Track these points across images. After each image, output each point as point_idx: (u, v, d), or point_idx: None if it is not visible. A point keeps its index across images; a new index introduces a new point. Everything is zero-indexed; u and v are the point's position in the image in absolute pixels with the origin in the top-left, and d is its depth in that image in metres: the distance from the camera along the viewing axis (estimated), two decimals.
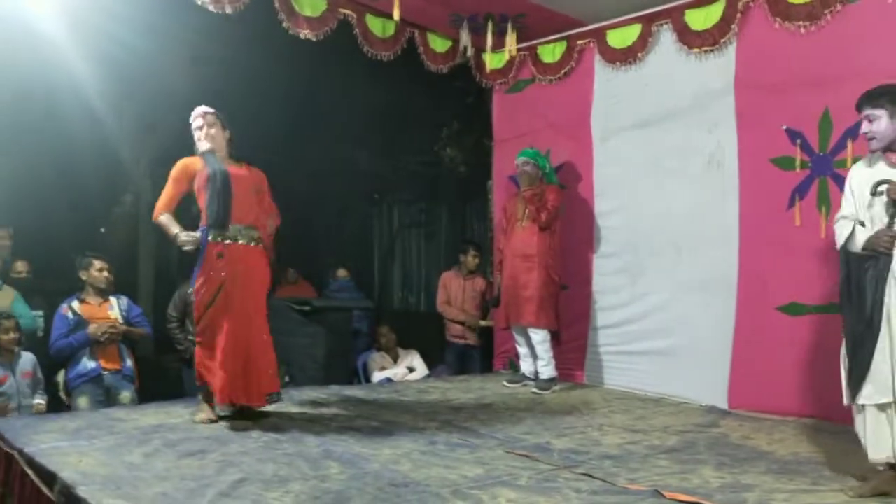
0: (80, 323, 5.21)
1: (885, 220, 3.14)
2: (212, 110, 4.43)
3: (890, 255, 3.07)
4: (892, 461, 3.09)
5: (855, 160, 4.56)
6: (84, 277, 5.35)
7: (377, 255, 11.01)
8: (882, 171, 3.26)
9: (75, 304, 5.29)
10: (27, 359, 5.17)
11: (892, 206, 3.12)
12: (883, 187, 3.16)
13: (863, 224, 3.23)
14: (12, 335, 5.05)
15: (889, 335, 3.04)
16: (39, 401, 5.14)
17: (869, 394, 3.10)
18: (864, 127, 3.31)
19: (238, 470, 3.39)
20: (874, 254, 3.12)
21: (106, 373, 5.21)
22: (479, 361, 6.94)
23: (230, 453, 3.66)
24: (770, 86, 4.99)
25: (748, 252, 5.09)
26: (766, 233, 5.01)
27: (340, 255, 9.05)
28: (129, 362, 5.36)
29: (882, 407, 3.08)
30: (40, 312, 5.74)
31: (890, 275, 3.05)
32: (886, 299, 3.05)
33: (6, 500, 3.60)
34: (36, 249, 6.61)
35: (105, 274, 5.34)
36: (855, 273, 3.17)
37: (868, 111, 3.28)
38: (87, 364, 5.18)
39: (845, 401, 3.21)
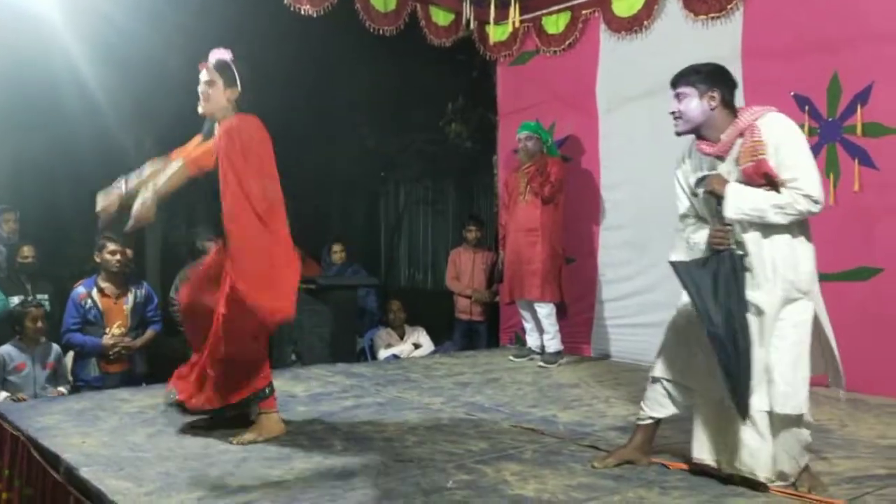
0: (98, 319, 5.13)
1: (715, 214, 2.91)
2: (220, 59, 3.67)
3: (728, 250, 2.83)
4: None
5: (865, 125, 4.53)
6: (98, 260, 5.28)
7: (384, 233, 11.00)
8: (695, 167, 3.03)
9: (94, 294, 5.19)
10: (51, 349, 5.14)
11: (715, 201, 2.88)
12: (701, 185, 2.93)
13: (704, 220, 3.01)
14: (39, 324, 5.02)
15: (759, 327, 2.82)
16: (61, 388, 5.08)
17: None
18: (672, 105, 3.01)
19: (241, 448, 3.38)
20: (715, 252, 2.88)
21: (109, 375, 5.15)
22: (485, 337, 6.94)
23: (233, 432, 3.63)
24: (777, 51, 4.90)
25: None
26: None
27: (347, 234, 8.99)
28: (140, 366, 5.31)
29: None
30: (46, 296, 5.74)
31: (735, 268, 2.81)
32: (742, 292, 2.81)
33: (13, 481, 3.61)
34: (41, 234, 6.63)
35: (117, 257, 5.22)
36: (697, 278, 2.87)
37: (679, 89, 2.98)
38: (91, 371, 5.15)
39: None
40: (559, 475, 3.05)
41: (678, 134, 3.05)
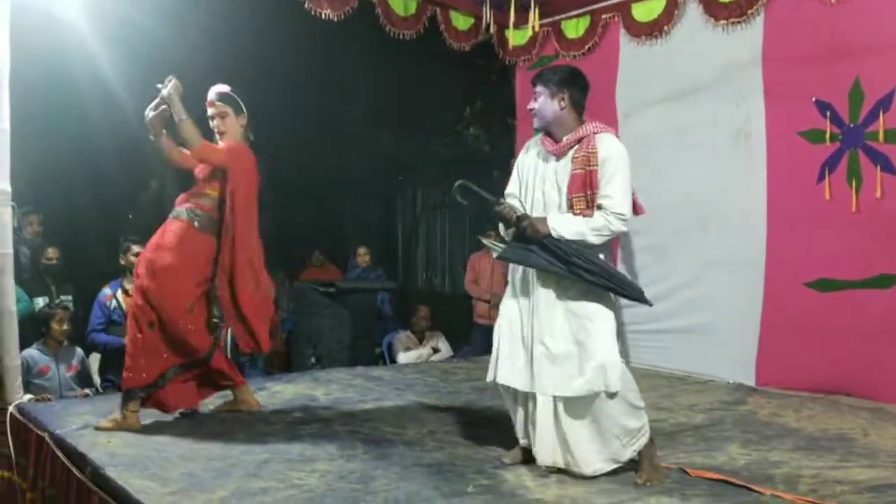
0: (122, 319, 5.10)
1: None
2: (223, 92, 3.98)
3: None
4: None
5: (888, 131, 4.50)
6: (122, 262, 5.34)
7: (401, 238, 11.01)
8: (532, 157, 3.32)
9: (119, 295, 5.25)
10: (74, 353, 5.19)
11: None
12: (523, 226, 3.23)
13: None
14: (65, 326, 5.07)
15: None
16: (86, 390, 5.10)
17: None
18: (530, 104, 3.28)
19: (264, 450, 3.42)
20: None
21: None
22: None
23: (256, 434, 3.69)
24: (798, 57, 4.87)
25: (776, 227, 4.99)
26: (795, 208, 4.91)
27: (364, 238, 9.02)
28: None
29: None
30: (69, 297, 5.80)
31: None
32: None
33: (37, 482, 3.66)
34: (65, 236, 6.69)
35: None
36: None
37: (536, 88, 3.25)
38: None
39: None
40: (579, 481, 3.05)
41: (534, 130, 3.35)
